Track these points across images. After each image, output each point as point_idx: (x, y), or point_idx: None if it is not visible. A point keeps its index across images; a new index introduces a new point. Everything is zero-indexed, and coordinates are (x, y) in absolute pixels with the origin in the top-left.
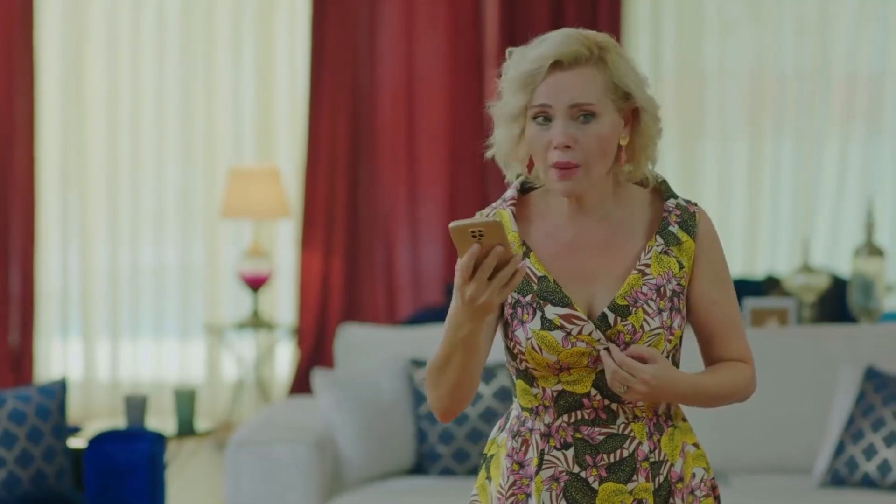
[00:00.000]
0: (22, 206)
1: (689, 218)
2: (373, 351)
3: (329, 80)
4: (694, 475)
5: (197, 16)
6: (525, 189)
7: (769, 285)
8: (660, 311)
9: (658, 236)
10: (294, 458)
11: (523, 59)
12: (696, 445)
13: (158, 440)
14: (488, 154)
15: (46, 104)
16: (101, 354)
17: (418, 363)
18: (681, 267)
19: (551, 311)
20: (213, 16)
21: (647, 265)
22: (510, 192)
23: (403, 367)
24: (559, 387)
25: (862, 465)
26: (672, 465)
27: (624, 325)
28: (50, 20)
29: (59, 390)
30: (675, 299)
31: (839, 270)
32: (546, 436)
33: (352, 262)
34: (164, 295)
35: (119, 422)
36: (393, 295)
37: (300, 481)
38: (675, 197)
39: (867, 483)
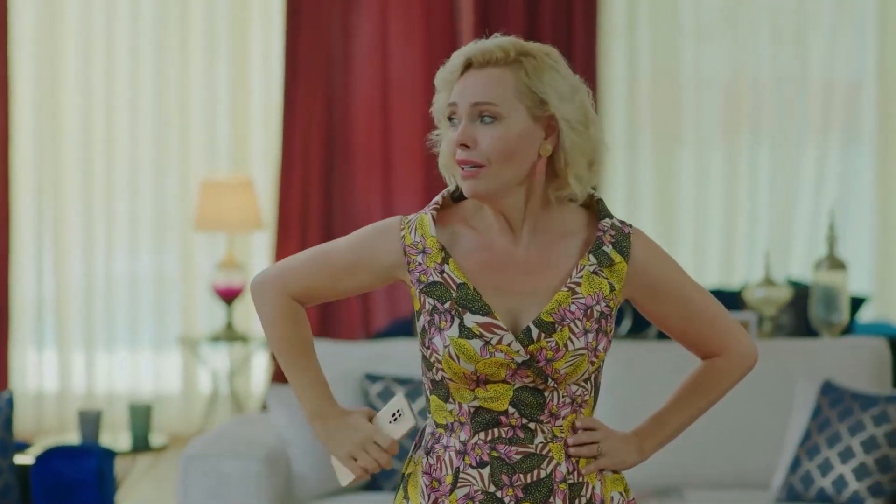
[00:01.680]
0: None
1: (623, 239)
2: (327, 366)
3: (303, 91)
4: (612, 498)
5: (171, 27)
6: (460, 197)
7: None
8: (585, 332)
9: (591, 255)
10: (244, 473)
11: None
12: (613, 469)
13: (107, 456)
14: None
15: (20, 115)
16: (76, 366)
17: (372, 378)
18: (612, 289)
19: (470, 319)
20: (186, 27)
21: (578, 284)
22: (437, 197)
23: (357, 381)
24: (476, 403)
25: (817, 480)
26: (593, 487)
27: (548, 342)
28: (24, 31)
29: (3, 406)
30: (603, 321)
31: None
32: (461, 453)
33: None
34: (138, 306)
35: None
36: (368, 306)
37: (251, 497)
38: (611, 217)
39: (822, 499)
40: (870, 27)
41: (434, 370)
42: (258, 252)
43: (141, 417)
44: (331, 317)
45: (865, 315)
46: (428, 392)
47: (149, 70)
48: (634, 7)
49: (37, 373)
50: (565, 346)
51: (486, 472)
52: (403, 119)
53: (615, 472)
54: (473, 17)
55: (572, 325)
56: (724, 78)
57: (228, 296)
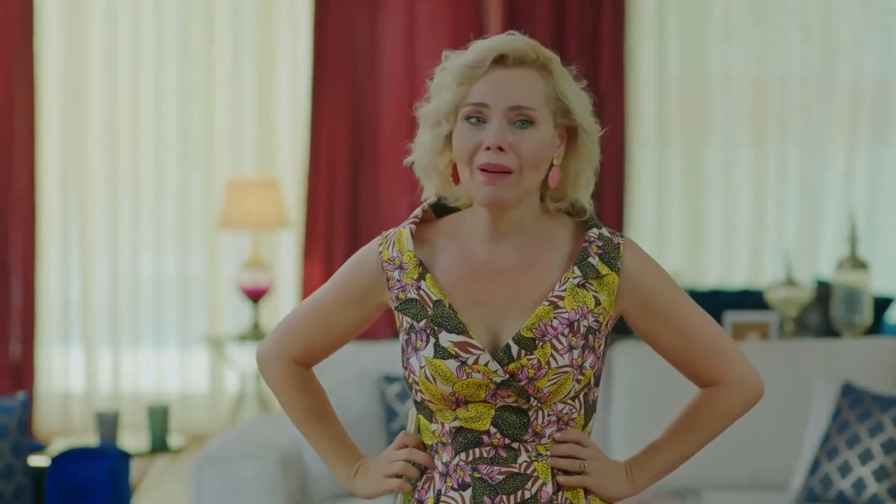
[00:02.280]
0: (22, 218)
1: (612, 250)
2: (345, 366)
3: (330, 90)
4: None
5: (197, 26)
6: (443, 210)
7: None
8: (570, 349)
9: (576, 268)
10: (259, 474)
11: (462, 55)
12: (599, 496)
13: (122, 458)
14: (407, 161)
15: (46, 115)
16: (102, 365)
17: (389, 379)
18: (597, 303)
19: (445, 339)
20: (212, 27)
21: (561, 297)
22: (417, 210)
23: (374, 381)
24: (456, 423)
25: (837, 482)
26: None
27: (529, 360)
28: (50, 30)
29: (18, 407)
30: (591, 336)
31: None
32: (444, 475)
33: None
34: (164, 306)
35: (129, 429)
36: None
37: (265, 498)
38: (599, 227)
39: (842, 500)
40: None
41: (414, 391)
42: (284, 251)
43: (159, 418)
44: None
45: (894, 315)
46: (416, 412)
47: (174, 70)
48: (663, 5)
49: (63, 372)
50: (547, 363)
51: (467, 494)
52: None
53: (602, 500)
54: (501, 16)
55: (555, 341)
56: (752, 77)
57: (255, 295)
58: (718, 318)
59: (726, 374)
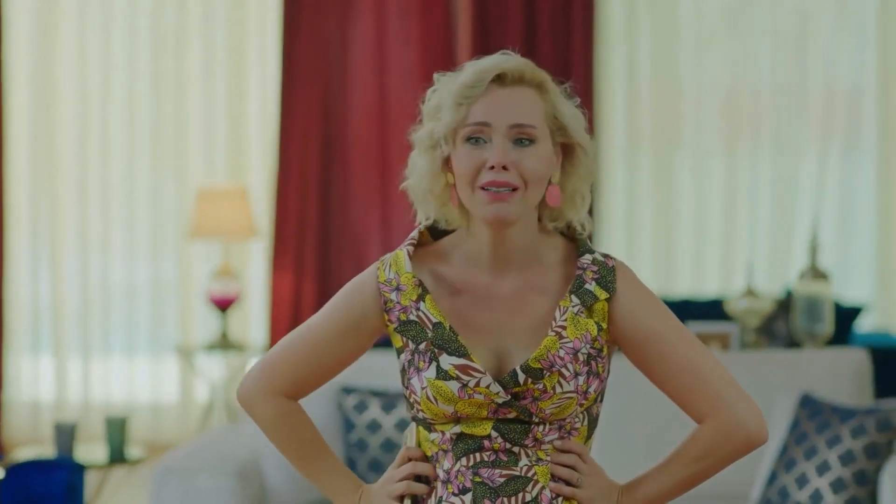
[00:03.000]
0: None
1: (608, 274)
2: None
3: (300, 99)
4: None
5: (167, 34)
6: (439, 233)
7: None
8: (576, 375)
9: (573, 296)
10: (217, 486)
11: (457, 77)
12: None
13: (77, 470)
14: (403, 185)
15: (15, 121)
16: (72, 374)
17: (347, 390)
18: (599, 329)
19: (447, 361)
20: (183, 34)
21: (564, 327)
22: (413, 233)
23: (333, 394)
24: (457, 429)
25: (794, 494)
26: None
27: (535, 385)
28: (19, 35)
29: None
30: (593, 363)
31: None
32: (445, 482)
33: (323, 282)
34: (134, 314)
35: (93, 440)
36: None
37: None
38: (592, 252)
39: None
40: (870, 35)
41: (415, 409)
42: (254, 261)
43: (117, 429)
44: None
45: (865, 324)
46: (415, 423)
47: (145, 77)
48: (633, 13)
49: (32, 381)
50: (553, 389)
51: (467, 498)
52: (401, 127)
53: None
54: (471, 24)
55: (563, 370)
56: (724, 86)
57: (223, 304)
58: None
59: (715, 411)
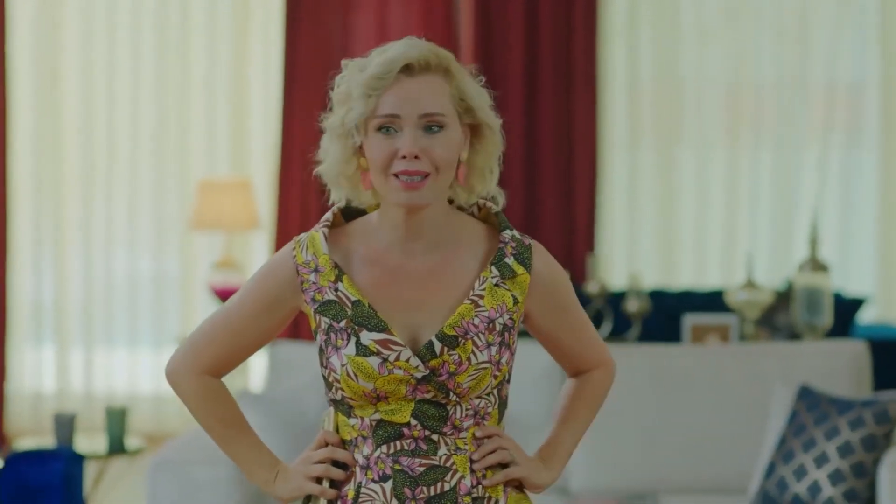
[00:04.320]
0: None
1: (525, 251)
2: (303, 369)
3: (302, 91)
4: None
5: (171, 27)
6: (352, 213)
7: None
8: (489, 345)
9: (493, 267)
10: (214, 478)
11: (365, 67)
12: (518, 488)
13: (75, 460)
14: (316, 171)
15: (20, 115)
16: (75, 365)
17: None
18: (515, 301)
19: (367, 337)
20: (187, 27)
21: (481, 296)
22: (327, 215)
23: None
24: (377, 416)
25: (792, 485)
26: (496, 501)
27: (451, 356)
28: (22, 30)
29: None
30: (506, 334)
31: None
32: (364, 468)
33: None
34: (137, 306)
35: (95, 432)
36: None
37: (221, 502)
38: (511, 229)
39: None
40: (872, 28)
41: (334, 390)
42: (256, 252)
43: (116, 420)
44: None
45: (867, 316)
46: (332, 408)
47: (148, 70)
48: (635, 8)
49: (35, 372)
50: (468, 359)
51: (388, 485)
52: None
53: (520, 491)
54: (473, 19)
55: (475, 338)
56: (725, 79)
57: (226, 296)
58: (678, 321)
59: (602, 359)
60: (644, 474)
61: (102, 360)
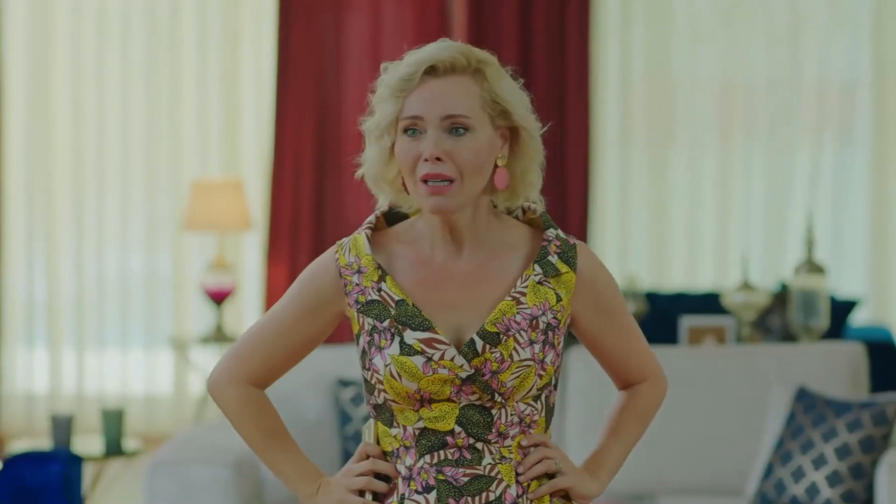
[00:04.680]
0: None
1: (570, 250)
2: (301, 369)
3: (295, 92)
4: None
5: (162, 26)
6: (397, 217)
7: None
8: (531, 343)
9: (536, 265)
10: (212, 479)
11: (397, 67)
12: (564, 498)
13: (74, 462)
14: (358, 174)
15: (11, 115)
16: (67, 366)
17: (344, 383)
18: (558, 299)
19: (411, 336)
20: (178, 28)
21: (523, 293)
22: (370, 217)
23: (329, 386)
24: (420, 424)
25: (790, 487)
26: None
27: (492, 354)
28: (15, 30)
29: None
30: (550, 333)
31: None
32: (407, 479)
33: None
34: (129, 307)
35: (88, 433)
36: None
37: (219, 503)
38: (555, 228)
39: None
40: (864, 28)
41: (376, 392)
42: (249, 253)
43: (113, 421)
44: None
45: (859, 318)
46: (373, 419)
47: (140, 70)
48: (628, 7)
49: (27, 373)
50: (511, 357)
51: (431, 496)
52: None
53: (567, 501)
54: (466, 19)
55: (517, 335)
56: (717, 79)
57: (218, 297)
58: (674, 323)
59: (652, 370)
60: (642, 475)
61: (94, 361)
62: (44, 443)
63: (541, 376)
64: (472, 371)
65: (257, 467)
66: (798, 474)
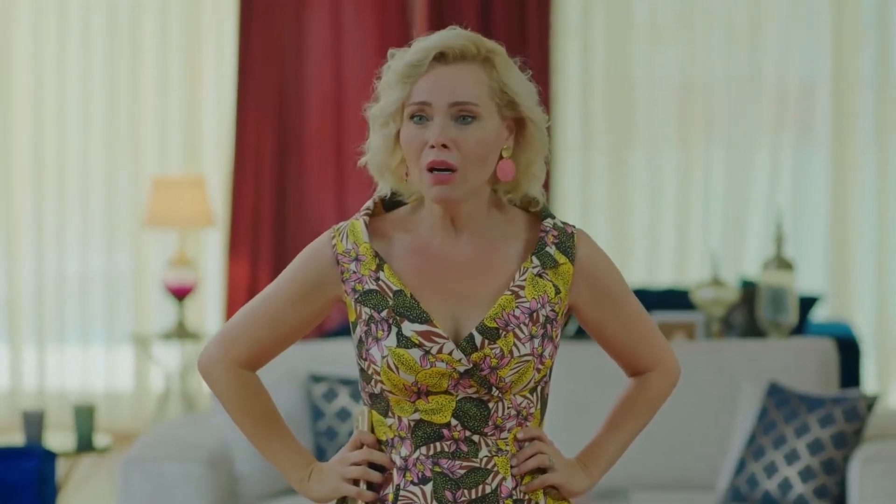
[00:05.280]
0: None
1: (567, 239)
2: (273, 365)
3: (256, 88)
4: None
5: (123, 24)
6: (395, 204)
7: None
8: (531, 337)
9: (534, 257)
10: (186, 475)
11: (405, 54)
12: (558, 492)
13: (48, 457)
14: (361, 162)
15: None
16: (28, 363)
17: (316, 378)
18: (557, 292)
19: (408, 328)
20: (139, 24)
21: (522, 287)
22: (368, 203)
23: (301, 382)
24: (416, 416)
25: (763, 482)
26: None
27: (492, 349)
28: None
29: None
30: (549, 326)
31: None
32: (402, 469)
33: (279, 270)
34: (90, 304)
35: (51, 429)
36: None
37: (193, 499)
38: (553, 217)
39: (768, 501)
40: (823, 28)
41: (373, 383)
42: (210, 249)
43: (85, 417)
44: None
45: (819, 315)
46: (367, 407)
47: (100, 67)
48: (588, 7)
49: None
50: (510, 352)
51: (428, 488)
52: (356, 115)
53: (560, 498)
54: (426, 16)
55: (517, 330)
56: (678, 79)
57: (180, 293)
58: None
59: (660, 359)
60: (614, 471)
61: (55, 358)
62: (4, 439)
63: (539, 370)
64: (471, 366)
65: (231, 463)
66: (771, 469)
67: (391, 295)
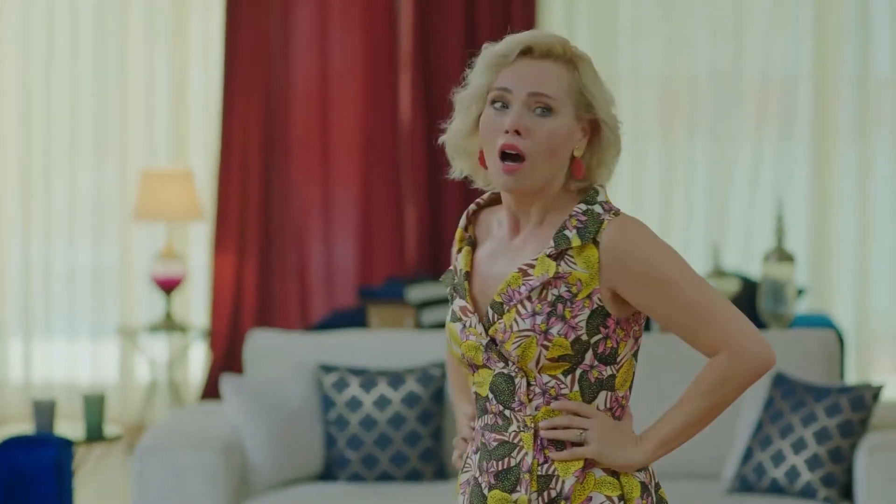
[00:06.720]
0: None
1: (594, 224)
2: (281, 356)
3: (242, 81)
4: (591, 499)
5: (110, 17)
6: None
7: None
8: (533, 314)
9: (552, 240)
10: (201, 464)
11: (495, 45)
12: (612, 472)
13: (65, 446)
14: (440, 140)
15: None
16: (14, 355)
17: (327, 369)
18: (579, 274)
19: (457, 304)
20: (126, 17)
21: (532, 266)
22: (486, 195)
23: (312, 372)
24: (474, 388)
25: (770, 471)
26: (563, 481)
27: (499, 323)
28: None
29: None
30: (560, 305)
31: (752, 274)
32: (473, 439)
33: (265, 264)
34: (77, 296)
35: (29, 424)
36: (306, 297)
37: (207, 488)
38: (591, 203)
39: (775, 489)
40: (806, 23)
41: None
42: (197, 242)
43: (95, 407)
44: (269, 304)
45: (801, 307)
46: None
47: (88, 59)
48: (572, 2)
49: None
50: (510, 327)
51: (476, 458)
52: (342, 109)
53: (609, 472)
54: (413, 11)
55: (519, 305)
56: (660, 74)
57: (167, 286)
58: None
59: (726, 342)
60: None
61: (41, 351)
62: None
63: (546, 347)
64: (489, 339)
65: (244, 452)
66: (778, 458)
67: (458, 274)
